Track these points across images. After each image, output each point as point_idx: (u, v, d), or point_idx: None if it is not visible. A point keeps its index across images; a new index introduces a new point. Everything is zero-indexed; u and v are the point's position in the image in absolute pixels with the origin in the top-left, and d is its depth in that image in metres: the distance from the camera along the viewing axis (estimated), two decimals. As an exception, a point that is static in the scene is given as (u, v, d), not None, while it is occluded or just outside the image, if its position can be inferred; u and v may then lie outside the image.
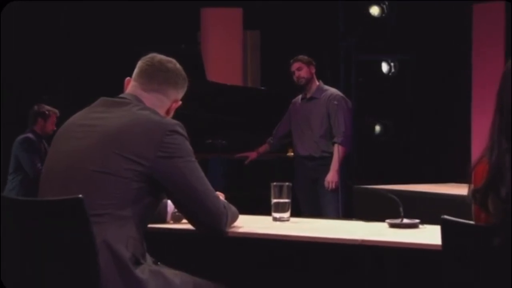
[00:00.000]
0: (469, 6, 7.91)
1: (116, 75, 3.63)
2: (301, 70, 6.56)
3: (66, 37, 9.14)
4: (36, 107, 7.26)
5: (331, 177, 6.40)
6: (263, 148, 6.98)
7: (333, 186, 6.38)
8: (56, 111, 7.26)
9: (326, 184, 6.40)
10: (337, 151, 6.40)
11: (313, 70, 6.60)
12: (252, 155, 7.02)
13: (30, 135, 7.15)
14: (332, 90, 6.65)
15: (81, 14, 8.98)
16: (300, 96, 6.73)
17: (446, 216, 2.31)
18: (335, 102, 6.45)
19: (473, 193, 2.31)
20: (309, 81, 6.57)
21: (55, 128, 7.07)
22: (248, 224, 3.17)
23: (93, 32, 9.03)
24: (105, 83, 5.95)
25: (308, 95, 6.62)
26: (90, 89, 8.13)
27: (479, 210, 2.30)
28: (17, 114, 7.91)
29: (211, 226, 2.90)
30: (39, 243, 2.67)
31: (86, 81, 8.89)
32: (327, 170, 6.42)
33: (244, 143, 7.33)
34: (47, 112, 7.21)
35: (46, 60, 9.05)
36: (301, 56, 6.63)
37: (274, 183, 3.33)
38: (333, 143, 6.46)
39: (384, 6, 8.73)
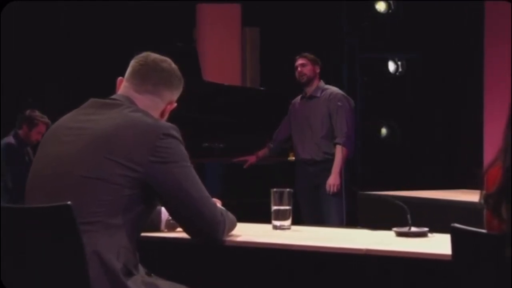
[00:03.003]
0: (481, 3, 7.91)
1: (108, 75, 3.63)
2: (304, 66, 6.59)
3: (56, 34, 9.17)
4: (27, 112, 7.19)
5: (333, 180, 6.39)
6: (263, 152, 6.97)
7: (335, 190, 6.36)
8: (48, 121, 7.16)
9: (327, 187, 6.39)
10: (339, 153, 6.40)
11: (318, 70, 6.62)
12: (251, 159, 7.00)
13: (12, 140, 7.10)
14: (333, 89, 6.66)
15: (73, 11, 9.00)
16: (299, 96, 6.75)
17: (456, 224, 2.31)
18: (339, 103, 6.44)
19: (486, 198, 2.31)
20: (311, 79, 6.60)
21: (40, 139, 7.01)
22: (247, 232, 3.17)
23: (85, 29, 9.05)
24: (97, 83, 5.95)
25: (308, 94, 6.64)
26: (80, 89, 8.16)
27: (492, 216, 2.30)
28: (7, 115, 7.92)
29: (208, 234, 2.90)
30: (26, 253, 2.67)
31: (76, 80, 8.91)
32: (329, 175, 6.41)
33: (242, 146, 7.33)
34: (35, 121, 7.14)
35: (35, 59, 9.07)
36: (307, 53, 6.67)
37: (274, 189, 3.33)
38: (335, 144, 6.45)
39: (391, 2, 8.74)
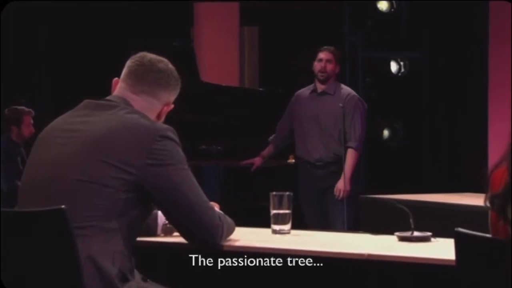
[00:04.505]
0: (485, 3, 7.92)
1: (104, 75, 3.63)
2: (330, 63, 6.33)
3: (51, 33, 9.18)
4: (6, 112, 7.16)
5: (342, 185, 6.14)
6: (267, 152, 6.71)
7: (343, 196, 6.15)
8: (30, 110, 7.17)
9: (336, 191, 6.16)
10: (351, 157, 6.20)
11: (337, 70, 6.42)
12: (257, 161, 6.73)
13: (4, 143, 7.08)
14: (349, 89, 6.45)
15: (68, 10, 9.01)
16: (306, 89, 6.49)
17: (460, 229, 2.31)
18: (354, 105, 6.29)
19: (491, 198, 2.31)
20: (329, 78, 6.34)
21: (33, 131, 7.02)
22: (246, 237, 3.18)
23: (80, 29, 9.06)
24: (92, 83, 5.95)
25: (320, 90, 6.39)
26: (74, 89, 8.16)
27: (497, 218, 2.31)
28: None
29: (205, 239, 2.90)
30: (19, 257, 2.67)
31: (71, 81, 8.91)
32: (337, 178, 6.19)
33: (241, 149, 7.32)
34: (20, 117, 7.12)
35: (28, 58, 9.08)
36: (333, 48, 6.42)
37: (274, 193, 3.33)
38: (346, 147, 6.23)
39: (393, 1, 8.74)
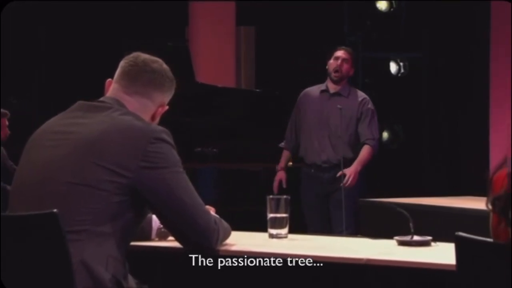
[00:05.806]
0: (487, 3, 7.93)
1: (97, 76, 3.63)
2: (346, 63, 6.26)
3: (43, 33, 9.19)
4: None
5: (352, 171, 6.13)
6: (284, 160, 6.51)
7: (350, 181, 6.07)
8: (5, 112, 7.14)
9: (346, 173, 6.08)
10: (367, 152, 6.21)
11: (352, 73, 6.37)
12: (281, 176, 6.48)
13: None
14: (363, 94, 6.40)
15: (61, 9, 9.01)
16: (315, 88, 6.40)
17: (460, 233, 2.31)
18: (371, 109, 6.25)
19: (493, 200, 2.31)
20: (342, 79, 6.28)
21: (8, 132, 7.04)
22: (242, 241, 3.17)
23: (73, 28, 9.07)
24: (85, 85, 5.96)
25: (332, 90, 6.31)
26: (67, 91, 8.16)
27: (498, 221, 2.31)
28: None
29: (200, 243, 2.90)
30: (10, 262, 2.67)
31: (64, 81, 8.92)
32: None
33: (237, 151, 7.32)
34: None
35: (20, 57, 9.09)
36: (350, 49, 6.40)
37: (271, 196, 3.33)
38: (364, 143, 6.22)
39: (393, 1, 8.76)
